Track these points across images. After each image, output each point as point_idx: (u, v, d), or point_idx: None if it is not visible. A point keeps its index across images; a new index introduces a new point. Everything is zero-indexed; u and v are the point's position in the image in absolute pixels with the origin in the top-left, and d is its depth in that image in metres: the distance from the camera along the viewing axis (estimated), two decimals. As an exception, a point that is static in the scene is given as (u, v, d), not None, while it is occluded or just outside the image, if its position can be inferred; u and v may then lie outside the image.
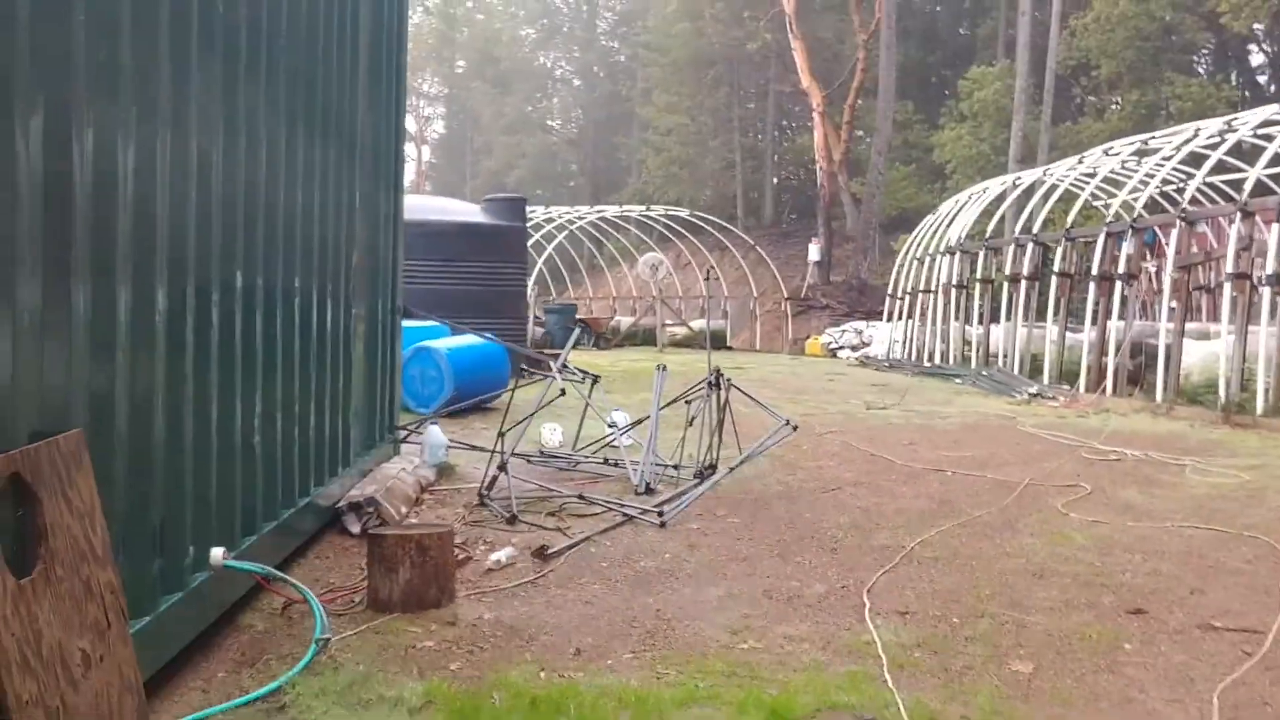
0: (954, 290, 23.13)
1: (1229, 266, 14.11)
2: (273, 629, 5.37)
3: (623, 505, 7.83)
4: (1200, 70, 39.18)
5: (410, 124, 72.64)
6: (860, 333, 29.99)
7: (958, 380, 19.56)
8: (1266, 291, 13.11)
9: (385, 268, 8.88)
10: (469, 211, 19.22)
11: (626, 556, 6.81)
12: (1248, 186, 14.95)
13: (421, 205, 17.62)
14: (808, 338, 33.18)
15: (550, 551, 6.71)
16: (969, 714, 4.47)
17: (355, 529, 7.13)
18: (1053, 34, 34.51)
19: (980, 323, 21.57)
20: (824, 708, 4.51)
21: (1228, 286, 14.03)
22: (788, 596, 6.05)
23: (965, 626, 5.53)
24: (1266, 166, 15.68)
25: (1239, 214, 14.11)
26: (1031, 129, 34.21)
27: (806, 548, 7.07)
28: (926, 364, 23.31)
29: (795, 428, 9.75)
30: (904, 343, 26.03)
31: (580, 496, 8.02)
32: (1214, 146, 17.20)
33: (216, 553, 4.88)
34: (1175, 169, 19.74)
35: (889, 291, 28.48)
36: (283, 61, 5.84)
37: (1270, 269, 12.95)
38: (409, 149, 70.69)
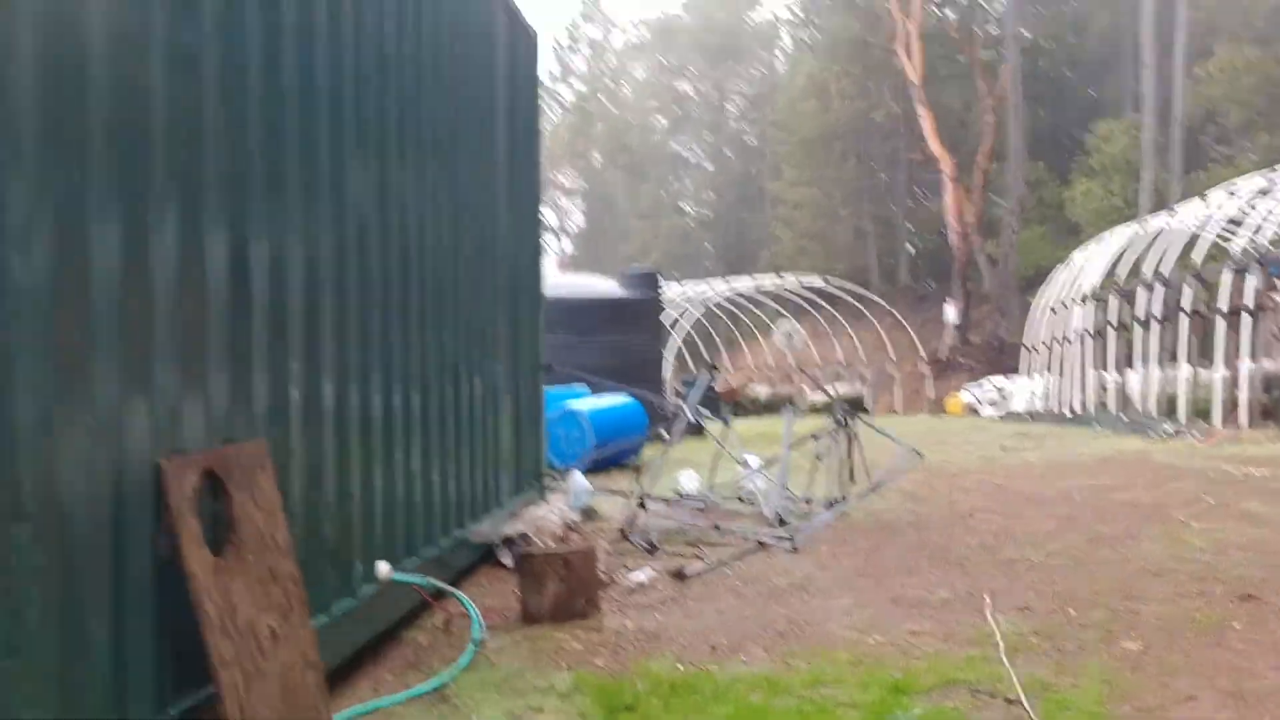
0: (1089, 338, 23.02)
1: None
2: (435, 642, 5.90)
3: (756, 534, 8.22)
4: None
5: (550, 217, 74.79)
6: (1000, 389, 29.77)
7: (1096, 426, 19.46)
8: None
9: (529, 333, 9.54)
10: (606, 286, 19.99)
11: (759, 576, 7.22)
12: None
13: (563, 283, 18.43)
14: (947, 397, 33.04)
15: (687, 574, 7.15)
16: (1079, 684, 4.76)
17: (508, 561, 7.67)
18: (1177, 84, 34.21)
19: (1116, 369, 21.43)
20: (943, 684, 4.85)
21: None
22: (913, 602, 6.38)
23: (1080, 617, 5.81)
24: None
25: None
26: (1162, 180, 33.81)
27: (934, 565, 7.38)
28: (1066, 414, 23.15)
29: (922, 455, 10.05)
30: (1044, 395, 25.86)
31: (716, 527, 8.45)
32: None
33: (383, 566, 5.46)
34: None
35: (1024, 343, 28.35)
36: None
37: None
38: (550, 240, 72.65)
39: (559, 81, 79.86)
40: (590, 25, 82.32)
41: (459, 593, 5.90)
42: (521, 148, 9.29)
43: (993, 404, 29.38)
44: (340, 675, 5.04)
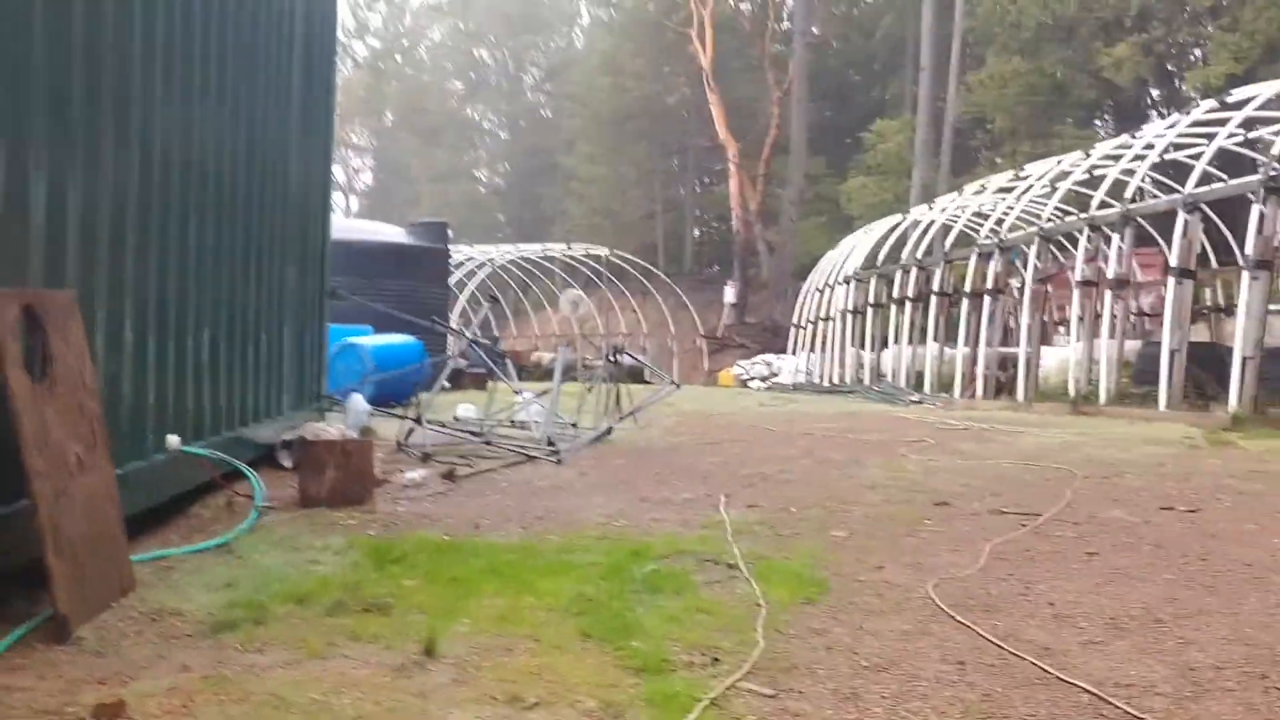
0: (849, 316, 24.69)
1: (1077, 275, 15.66)
2: (219, 516, 6.32)
3: (525, 449, 8.89)
4: (1099, 125, 41.44)
5: (338, 173, 73.52)
6: (770, 365, 31.35)
7: (851, 395, 20.97)
8: (1108, 295, 14.64)
9: (314, 260, 9.90)
10: (394, 233, 20.28)
11: (525, 481, 7.90)
12: (1093, 205, 16.49)
13: (349, 226, 18.64)
14: (720, 371, 34.53)
15: (458, 475, 7.76)
16: (790, 557, 5.58)
17: (287, 463, 8.09)
18: (950, 89, 36.55)
19: (872, 346, 23.13)
20: (675, 553, 5.59)
21: (1076, 293, 15.56)
22: (659, 501, 7.16)
23: (800, 514, 6.69)
24: (1107, 191, 17.19)
25: (1087, 227, 15.68)
26: (931, 179, 36.05)
27: (681, 477, 8.21)
28: (826, 385, 24.77)
29: (678, 385, 10.92)
30: (807, 370, 27.50)
31: (487, 442, 9.07)
32: (1067, 175, 18.94)
33: (173, 439, 5.87)
34: (1036, 199, 21.28)
35: (793, 321, 30.02)
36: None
37: (1111, 274, 14.49)
38: (338, 198, 71.43)
39: (353, 37, 78.42)
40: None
41: (241, 464, 6.35)
42: (315, 96, 9.65)
43: (762, 378, 30.90)
44: (129, 536, 5.43)
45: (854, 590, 4.89)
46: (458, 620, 4.17)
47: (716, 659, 3.79)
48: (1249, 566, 5.33)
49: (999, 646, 3.98)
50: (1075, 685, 3.55)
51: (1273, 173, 12.22)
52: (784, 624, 4.27)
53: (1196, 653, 3.93)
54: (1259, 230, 12.22)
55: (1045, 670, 3.71)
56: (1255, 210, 12.28)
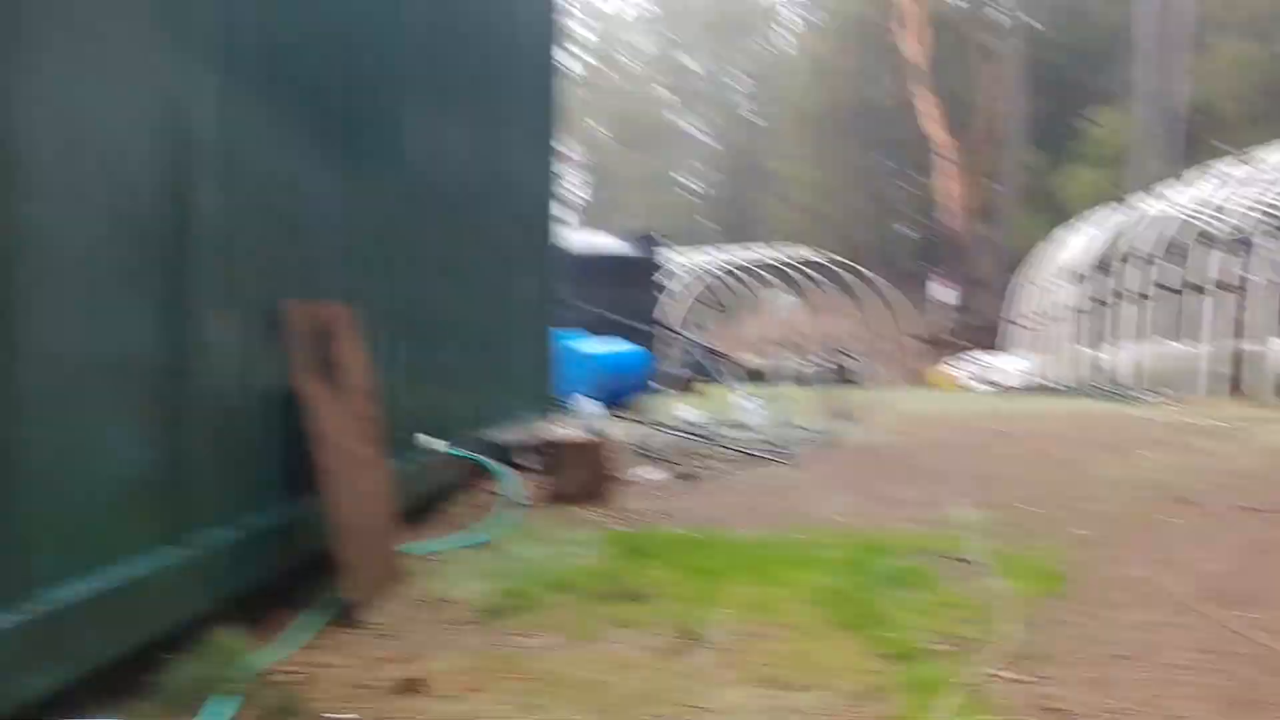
0: (1073, 313, 23.95)
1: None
2: (469, 514, 6.72)
3: (752, 450, 9.07)
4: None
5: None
6: (990, 364, 30.62)
7: (1077, 395, 20.37)
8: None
9: (543, 269, 10.34)
10: (610, 243, 20.81)
11: (758, 481, 8.11)
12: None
13: (571, 236, 19.17)
14: (938, 372, 33.92)
15: (695, 475, 8.00)
16: (1029, 553, 5.59)
17: (526, 464, 8.48)
18: (1175, 75, 35.00)
19: (1098, 344, 22.39)
20: (914, 550, 5.68)
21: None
22: (893, 501, 7.25)
23: (1036, 512, 6.66)
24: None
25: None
26: (1156, 168, 34.61)
27: (909, 476, 8.27)
28: (1050, 385, 24.11)
29: (893, 388, 10.87)
30: (1029, 369, 26.78)
31: (714, 444, 9.29)
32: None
33: (439, 442, 6.28)
34: (1269, 186, 20.18)
35: (1012, 319, 29.29)
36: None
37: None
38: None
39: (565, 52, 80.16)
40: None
41: (493, 464, 6.73)
42: (541, 108, 10.09)
43: (982, 378, 30.23)
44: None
45: (1099, 585, 4.90)
46: (713, 608, 4.38)
47: (967, 648, 3.88)
48: None
49: (1250, 639, 3.94)
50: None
51: None
52: (1031, 616, 4.32)
53: None
54: None
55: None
56: None
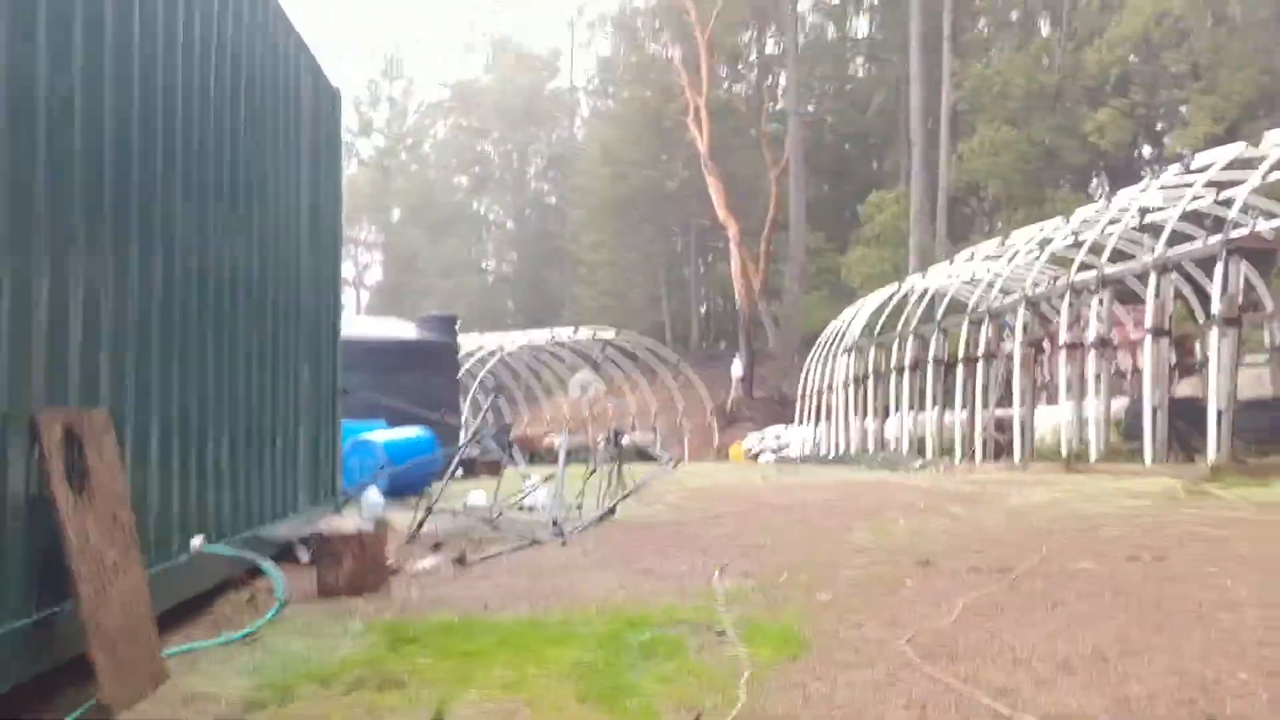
0: (852, 385, 25.20)
1: (1062, 337, 16.15)
2: (241, 610, 6.73)
3: (532, 533, 9.30)
4: (1094, 187, 42.22)
5: (348, 269, 74.66)
6: (779, 437, 31.75)
7: (856, 464, 21.38)
8: (1092, 355, 15.09)
9: (327, 361, 10.40)
10: (404, 328, 20.86)
11: (532, 562, 8.30)
12: (1073, 269, 17.05)
13: (361, 323, 19.21)
14: (730, 446, 34.90)
15: (468, 560, 8.16)
16: (778, 620, 5.96)
17: (304, 558, 8.50)
18: (942, 159, 37.38)
19: (874, 415, 23.59)
20: (670, 622, 5.98)
21: (1062, 355, 16.03)
22: (659, 575, 7.55)
23: (790, 579, 7.08)
24: (1088, 251, 17.78)
25: (1069, 291, 16.19)
26: (928, 247, 36.74)
27: (682, 550, 8.60)
28: (831, 455, 25.17)
29: (675, 464, 11.33)
30: (814, 441, 27.90)
31: (495, 528, 9.48)
32: (1050, 241, 19.56)
33: (196, 541, 6.30)
34: (1023, 265, 21.77)
35: (798, 393, 30.51)
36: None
37: (1093, 335, 14.95)
38: (348, 294, 72.38)
39: (358, 136, 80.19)
40: (390, 83, 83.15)
41: (261, 560, 6.76)
42: (323, 196, 10.22)
43: (772, 451, 31.27)
44: (159, 631, 5.84)
45: (834, 646, 5.27)
46: (467, 690, 4.57)
47: (700, 715, 4.17)
48: (1199, 606, 5.72)
49: (960, 692, 4.36)
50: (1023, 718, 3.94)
51: (1233, 234, 12.74)
52: (766, 680, 4.65)
53: (1134, 685, 4.31)
54: (1224, 289, 12.67)
55: (998, 709, 4.09)
56: (1218, 270, 12.74)
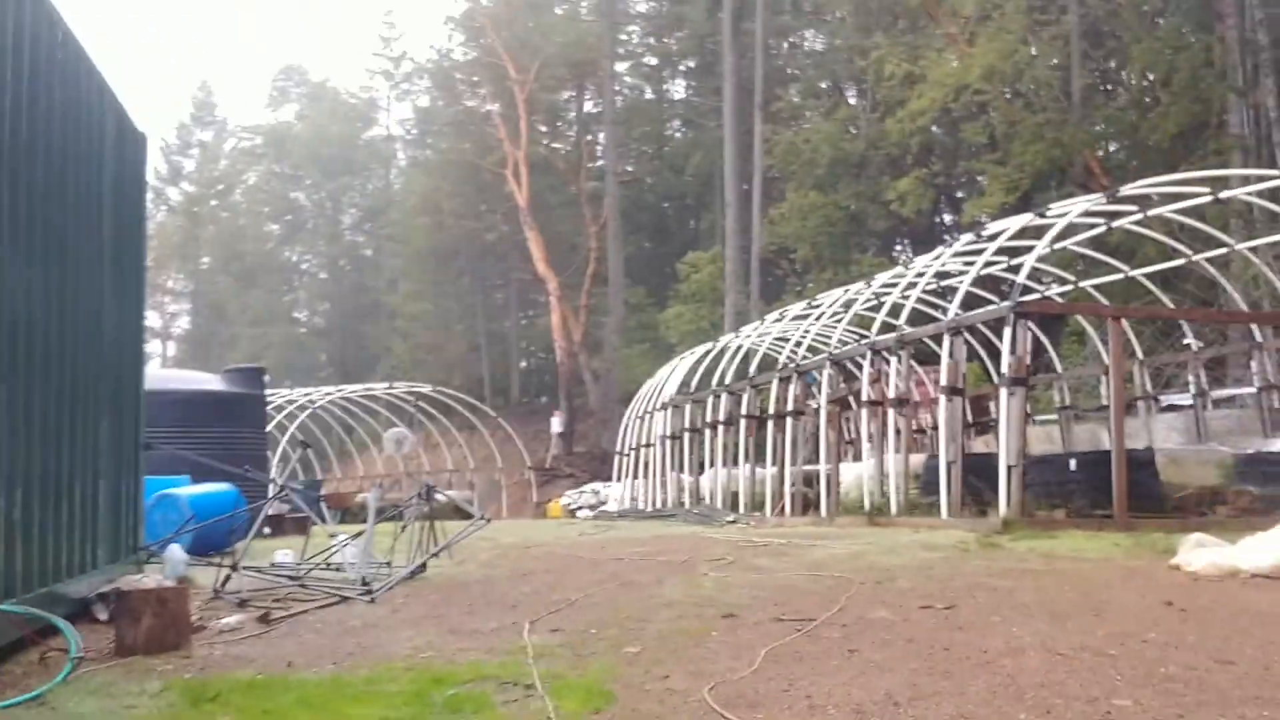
0: (668, 441, 25.65)
1: (863, 395, 16.87)
2: (32, 671, 6.48)
3: (340, 590, 9.19)
4: (898, 251, 44.10)
5: (154, 319, 72.19)
6: (597, 493, 31.98)
7: (671, 519, 21.71)
8: (891, 413, 15.82)
9: (129, 417, 10.11)
10: (208, 380, 20.31)
11: (338, 620, 8.21)
12: (874, 330, 17.91)
13: (164, 376, 18.64)
14: (549, 502, 34.95)
15: (273, 618, 8.03)
16: (585, 674, 6.07)
17: (103, 616, 8.22)
18: (755, 221, 38.57)
19: (690, 470, 24.08)
20: (477, 678, 6.01)
21: (864, 413, 16.75)
22: (467, 632, 7.57)
23: (599, 634, 7.20)
24: (888, 313, 18.73)
25: (869, 351, 16.97)
26: (743, 306, 37.74)
27: (491, 607, 8.63)
28: (650, 510, 25.50)
29: (489, 520, 11.37)
30: (632, 496, 28.22)
31: (302, 585, 9.34)
32: (853, 303, 20.53)
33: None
34: (828, 325, 22.67)
35: (617, 449, 30.84)
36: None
37: (893, 393, 15.68)
38: (154, 345, 69.94)
39: (168, 183, 78.01)
40: (201, 128, 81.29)
41: (55, 618, 6.54)
42: (127, 245, 10.00)
43: (590, 507, 31.45)
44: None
45: (639, 699, 5.41)
46: (266, 749, 4.53)
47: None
48: (984, 653, 6.06)
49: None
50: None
51: (1019, 299, 13.61)
52: (572, 733, 4.75)
53: (920, 728, 4.58)
54: (1011, 350, 13.48)
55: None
56: (1007, 332, 13.56)
